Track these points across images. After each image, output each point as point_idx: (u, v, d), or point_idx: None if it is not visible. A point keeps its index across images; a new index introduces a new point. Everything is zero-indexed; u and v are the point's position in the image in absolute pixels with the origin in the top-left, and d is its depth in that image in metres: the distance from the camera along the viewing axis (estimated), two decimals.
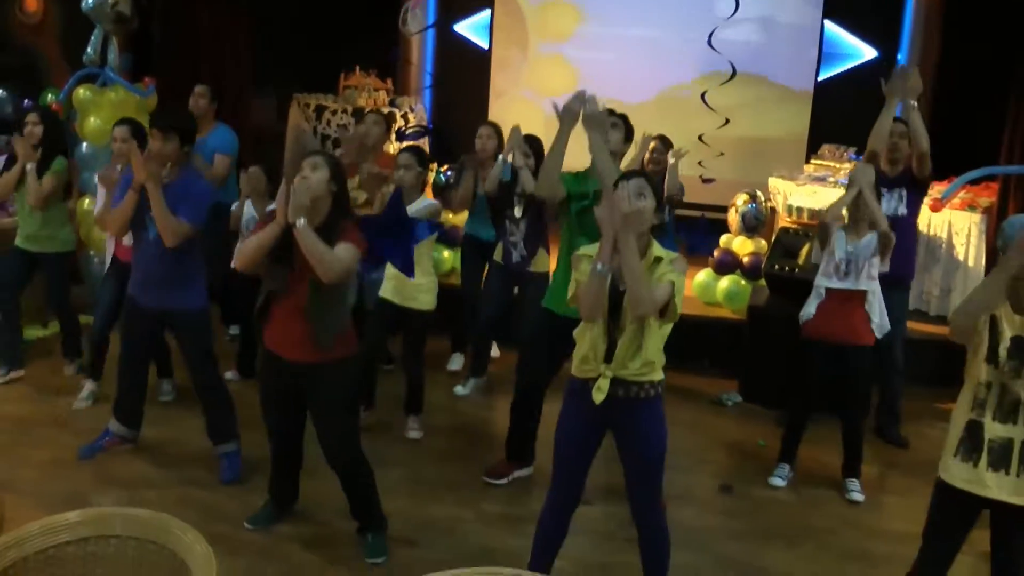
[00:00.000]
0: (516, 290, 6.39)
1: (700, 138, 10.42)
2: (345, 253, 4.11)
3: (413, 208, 5.48)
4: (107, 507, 3.00)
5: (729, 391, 6.98)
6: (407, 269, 4.66)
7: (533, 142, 6.08)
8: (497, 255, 6.31)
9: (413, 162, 5.63)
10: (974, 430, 3.55)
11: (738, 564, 4.71)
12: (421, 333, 5.87)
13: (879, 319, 5.37)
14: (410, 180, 5.58)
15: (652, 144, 6.63)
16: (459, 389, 6.73)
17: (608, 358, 3.67)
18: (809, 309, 5.44)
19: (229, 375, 6.37)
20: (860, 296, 5.31)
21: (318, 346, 4.20)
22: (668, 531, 3.96)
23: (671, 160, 6.67)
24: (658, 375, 3.74)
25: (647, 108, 10.26)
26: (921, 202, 6.16)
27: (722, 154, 10.47)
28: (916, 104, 5.76)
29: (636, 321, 3.60)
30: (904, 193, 6.01)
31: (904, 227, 5.86)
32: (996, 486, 3.52)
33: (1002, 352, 3.47)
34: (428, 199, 5.83)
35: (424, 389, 5.99)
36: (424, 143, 9.92)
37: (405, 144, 7.13)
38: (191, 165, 5.16)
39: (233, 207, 6.49)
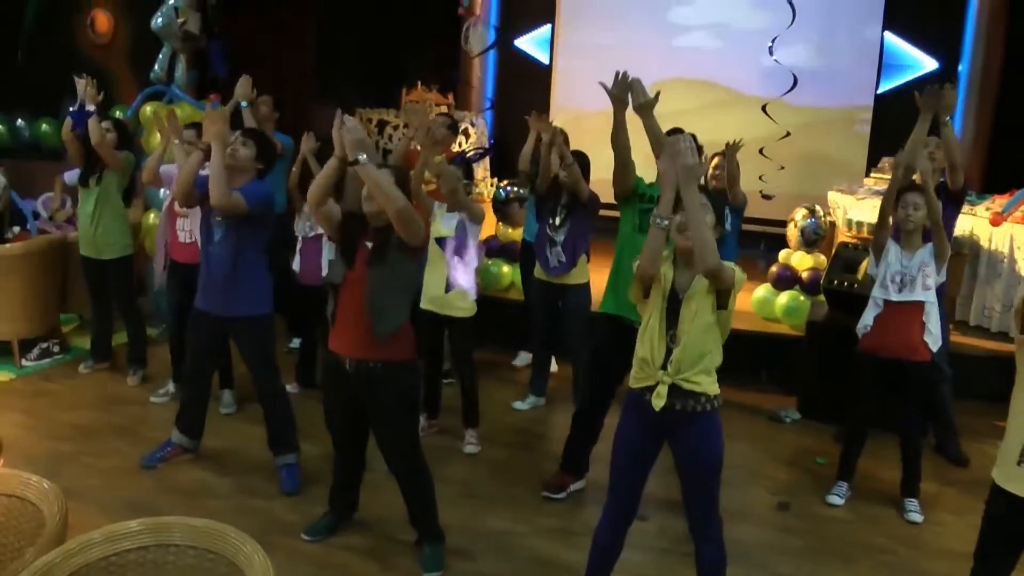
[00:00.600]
0: (560, 304, 6.36)
1: (761, 151, 10.38)
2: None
3: (450, 218, 5.65)
4: (168, 516, 3.04)
5: (787, 407, 6.93)
6: (472, 289, 4.66)
7: (579, 157, 6.09)
8: (538, 272, 6.33)
9: (461, 175, 5.72)
10: None
11: None
12: (466, 339, 5.92)
13: (935, 329, 5.32)
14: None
15: (715, 160, 6.58)
16: (518, 404, 6.77)
17: (666, 366, 3.69)
18: (866, 320, 5.41)
19: (289, 387, 6.45)
20: (918, 308, 5.26)
21: (377, 338, 4.21)
22: (725, 546, 3.94)
23: (728, 154, 6.41)
24: (714, 388, 3.74)
25: (705, 119, 10.28)
26: (956, 216, 6.03)
27: (783, 168, 10.40)
28: (950, 119, 5.70)
29: (694, 327, 3.64)
30: (939, 207, 5.92)
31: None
32: None
33: None
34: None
35: (478, 396, 6.02)
36: (485, 162, 10.02)
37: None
38: (262, 180, 5.21)
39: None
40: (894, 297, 5.30)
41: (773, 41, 10.45)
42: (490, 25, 10.85)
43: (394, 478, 4.57)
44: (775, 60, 10.47)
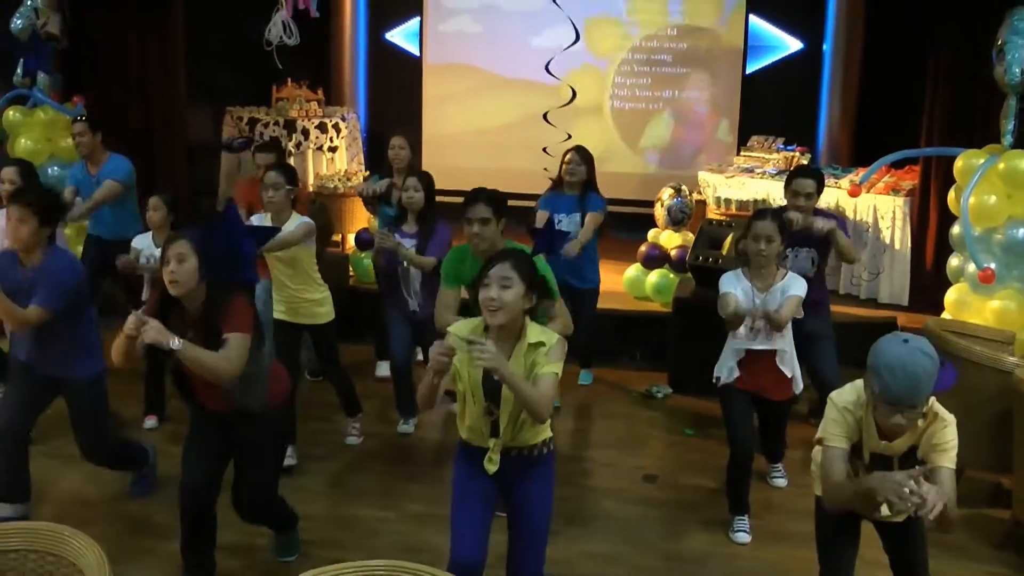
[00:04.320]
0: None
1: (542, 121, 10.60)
2: (234, 348, 3.89)
3: (287, 228, 5.30)
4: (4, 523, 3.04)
5: (659, 383, 7.06)
6: (251, 277, 4.41)
7: (423, 177, 5.93)
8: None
9: (281, 181, 5.34)
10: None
11: (657, 551, 4.82)
12: (331, 343, 5.78)
13: (796, 373, 5.04)
14: (280, 200, 5.33)
15: (567, 156, 6.54)
16: (402, 427, 6.30)
17: (494, 432, 3.61)
18: (723, 371, 5.03)
19: (149, 423, 6.19)
20: (774, 355, 4.94)
21: (247, 409, 4.11)
22: None
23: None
24: (547, 434, 3.71)
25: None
26: (828, 256, 5.84)
27: (569, 136, 10.43)
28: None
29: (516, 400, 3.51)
30: (816, 256, 5.68)
31: (817, 284, 5.68)
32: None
33: (863, 462, 3.48)
34: (301, 217, 5.45)
35: (355, 390, 6.00)
36: (360, 156, 9.99)
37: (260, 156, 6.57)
38: (55, 247, 4.73)
39: (133, 243, 5.98)
40: (754, 346, 4.93)
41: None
42: (359, 16, 10.82)
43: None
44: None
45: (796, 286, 4.87)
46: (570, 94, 10.62)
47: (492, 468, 3.62)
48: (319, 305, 5.61)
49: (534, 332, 3.56)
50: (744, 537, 5.03)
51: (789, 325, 4.91)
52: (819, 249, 5.62)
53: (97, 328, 4.93)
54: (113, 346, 3.93)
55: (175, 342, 3.72)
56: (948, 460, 3.32)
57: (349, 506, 5.16)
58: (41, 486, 5.24)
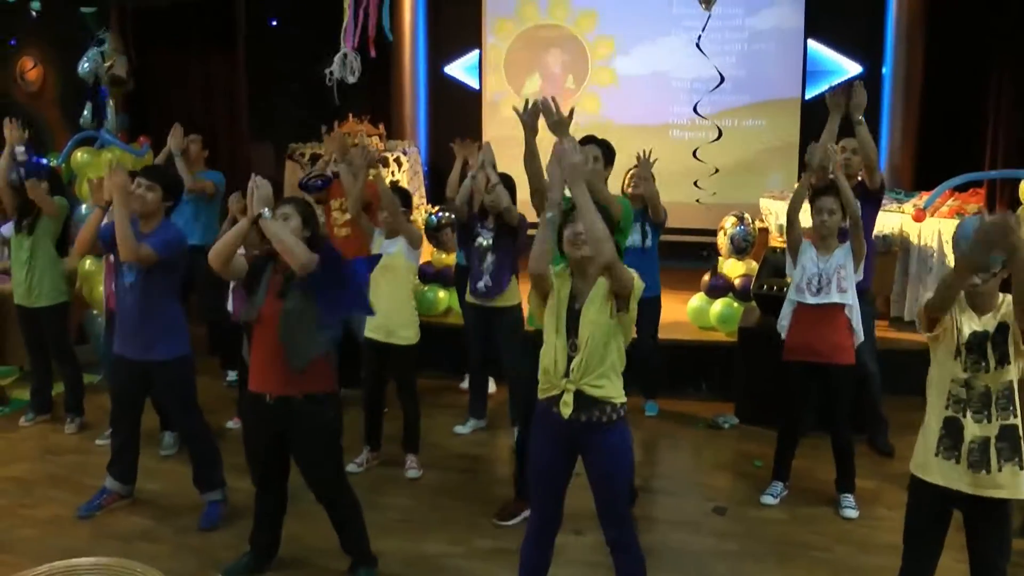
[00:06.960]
0: (493, 327, 6.34)
1: (695, 154, 10.54)
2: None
3: (390, 244, 5.67)
4: (78, 558, 3.07)
5: (725, 413, 6.98)
6: (366, 310, 4.64)
7: (505, 179, 6.13)
8: (468, 296, 6.35)
9: (397, 200, 5.73)
10: (953, 428, 3.65)
11: None
12: (409, 367, 5.94)
13: (857, 327, 5.41)
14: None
15: (631, 172, 6.66)
16: (459, 428, 6.72)
17: (568, 373, 3.77)
18: (782, 322, 5.55)
19: (231, 424, 6.50)
20: (837, 310, 5.34)
21: (292, 368, 4.27)
22: (642, 554, 4.01)
23: (641, 172, 6.48)
24: (619, 395, 3.82)
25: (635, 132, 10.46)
26: (876, 215, 6.11)
27: (717, 171, 10.53)
28: (863, 119, 5.73)
29: (594, 333, 3.74)
30: (858, 206, 5.75)
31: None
32: (973, 484, 3.63)
33: (963, 348, 3.60)
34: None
35: (420, 424, 6.05)
36: (421, 189, 10.06)
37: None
38: (170, 221, 5.24)
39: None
40: (810, 300, 5.38)
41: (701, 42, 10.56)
42: (419, 51, 10.93)
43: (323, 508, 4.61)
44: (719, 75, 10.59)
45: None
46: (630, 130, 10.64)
47: (567, 411, 3.78)
48: (402, 326, 5.81)
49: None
50: (771, 500, 5.61)
51: (850, 283, 5.33)
52: (861, 201, 5.67)
53: (181, 316, 5.28)
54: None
55: (266, 212, 4.18)
56: None
57: (416, 541, 5.12)
58: (108, 521, 5.37)
